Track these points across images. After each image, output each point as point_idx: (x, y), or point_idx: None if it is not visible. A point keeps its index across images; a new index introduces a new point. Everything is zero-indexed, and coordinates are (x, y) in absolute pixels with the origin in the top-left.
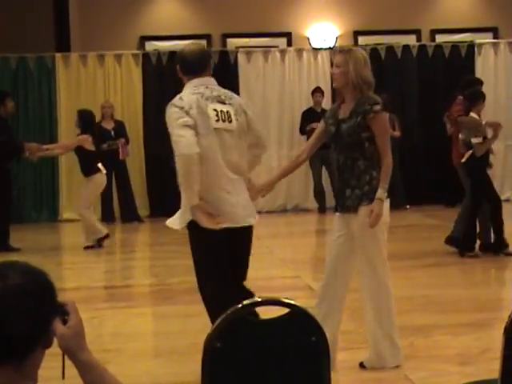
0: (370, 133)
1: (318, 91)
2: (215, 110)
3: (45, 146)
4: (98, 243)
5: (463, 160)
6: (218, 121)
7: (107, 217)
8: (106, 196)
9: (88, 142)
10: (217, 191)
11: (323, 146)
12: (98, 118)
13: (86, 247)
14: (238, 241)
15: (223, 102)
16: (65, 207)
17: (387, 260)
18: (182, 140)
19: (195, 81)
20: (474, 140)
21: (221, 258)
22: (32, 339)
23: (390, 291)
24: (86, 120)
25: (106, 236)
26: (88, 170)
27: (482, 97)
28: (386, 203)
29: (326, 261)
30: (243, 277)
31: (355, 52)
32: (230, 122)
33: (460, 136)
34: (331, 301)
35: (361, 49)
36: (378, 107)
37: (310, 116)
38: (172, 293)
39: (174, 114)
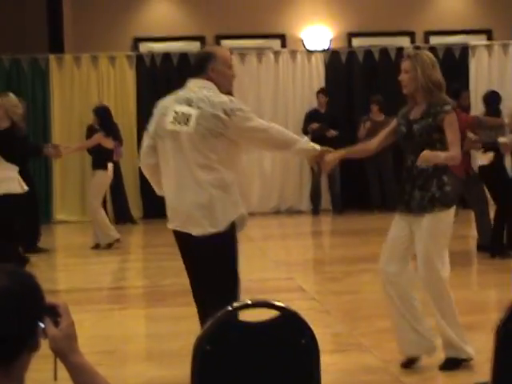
0: (442, 135)
1: (321, 92)
2: (176, 111)
3: (64, 147)
4: (108, 246)
5: (486, 163)
6: (173, 122)
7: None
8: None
9: (108, 142)
10: (166, 191)
11: None
12: (91, 120)
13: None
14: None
15: (190, 105)
16: (58, 209)
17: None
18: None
19: (188, 82)
20: (502, 139)
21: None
22: (19, 342)
23: (450, 294)
24: (103, 116)
25: (118, 240)
26: (99, 163)
27: (460, 97)
28: (451, 211)
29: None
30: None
31: (421, 55)
32: (187, 124)
33: (474, 137)
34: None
35: (427, 51)
36: (448, 107)
37: (313, 117)
38: (165, 295)
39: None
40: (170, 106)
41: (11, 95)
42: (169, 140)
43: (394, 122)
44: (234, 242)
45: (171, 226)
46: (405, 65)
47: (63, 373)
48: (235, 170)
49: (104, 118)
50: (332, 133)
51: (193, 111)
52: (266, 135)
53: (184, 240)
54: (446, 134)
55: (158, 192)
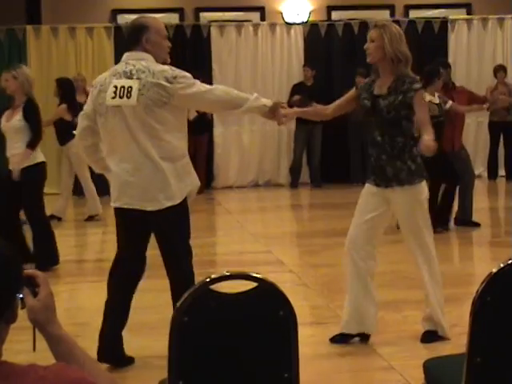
0: (409, 111)
1: (307, 65)
2: (115, 86)
3: None
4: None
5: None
6: (114, 98)
7: (78, 190)
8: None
9: (66, 113)
10: (114, 168)
11: (310, 121)
12: None
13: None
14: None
15: (130, 77)
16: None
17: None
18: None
19: (123, 56)
20: None
21: None
22: None
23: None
24: (65, 88)
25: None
26: (65, 138)
27: (439, 75)
28: (425, 183)
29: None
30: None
31: (390, 26)
32: (129, 97)
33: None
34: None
35: (394, 24)
36: (418, 85)
37: (298, 89)
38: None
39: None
40: (107, 82)
41: (25, 67)
42: (111, 116)
43: (353, 92)
44: (187, 213)
45: (118, 203)
46: (372, 33)
47: (42, 343)
48: (184, 138)
49: (68, 91)
50: (315, 106)
51: (133, 83)
52: (212, 97)
53: (133, 217)
54: (416, 112)
55: (98, 170)
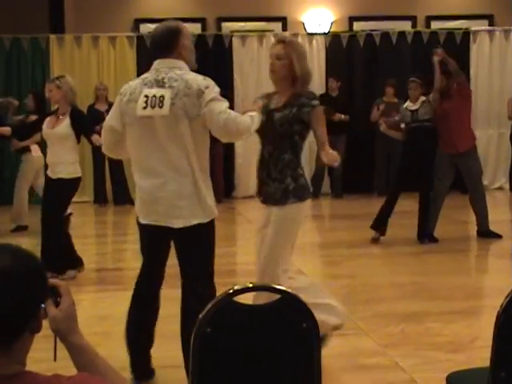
0: (303, 127)
1: (332, 76)
2: (146, 95)
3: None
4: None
5: None
6: (145, 108)
7: (100, 199)
8: (98, 178)
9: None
10: (143, 183)
11: (334, 132)
12: (91, 100)
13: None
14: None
15: (162, 86)
16: None
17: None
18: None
19: (154, 64)
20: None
21: None
22: (20, 323)
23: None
24: (39, 102)
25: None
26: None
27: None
28: (306, 205)
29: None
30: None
31: (296, 43)
32: (161, 106)
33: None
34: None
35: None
36: (316, 102)
37: (324, 101)
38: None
39: (114, 103)
40: (137, 92)
41: (68, 77)
42: (140, 127)
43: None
44: (214, 231)
45: (146, 220)
46: (278, 50)
47: (63, 352)
48: (208, 153)
49: (40, 104)
50: (339, 116)
51: (165, 92)
52: (227, 122)
53: (161, 235)
54: (315, 129)
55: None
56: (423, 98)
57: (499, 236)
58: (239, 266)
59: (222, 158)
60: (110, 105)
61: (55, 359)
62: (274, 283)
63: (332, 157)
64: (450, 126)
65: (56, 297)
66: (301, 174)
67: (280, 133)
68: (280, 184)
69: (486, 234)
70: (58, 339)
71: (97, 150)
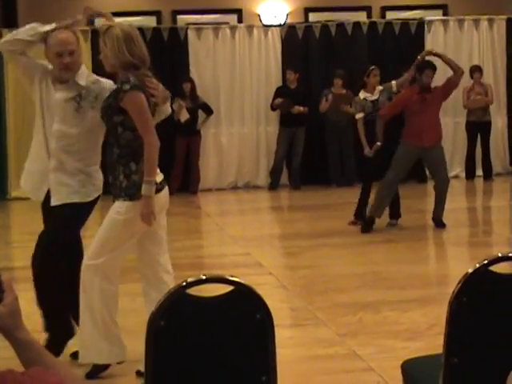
0: (125, 117)
1: (289, 68)
2: None
3: None
4: None
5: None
6: None
7: None
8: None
9: None
10: None
11: (293, 124)
12: None
13: None
14: None
15: None
16: (13, 185)
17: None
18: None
19: None
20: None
21: None
22: None
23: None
24: None
25: None
26: None
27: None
28: (165, 191)
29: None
30: None
31: (112, 30)
32: None
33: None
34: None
35: (125, 24)
36: (126, 86)
37: (281, 93)
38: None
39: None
40: None
41: None
42: None
43: None
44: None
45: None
46: (100, 43)
47: (8, 351)
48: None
49: None
50: (298, 109)
51: None
52: None
53: None
54: (132, 117)
55: None
56: (380, 88)
57: (444, 225)
58: (198, 260)
59: (199, 148)
60: None
61: None
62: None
63: (142, 215)
64: (425, 119)
65: None
66: (134, 171)
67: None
68: (115, 180)
69: (441, 222)
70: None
71: None
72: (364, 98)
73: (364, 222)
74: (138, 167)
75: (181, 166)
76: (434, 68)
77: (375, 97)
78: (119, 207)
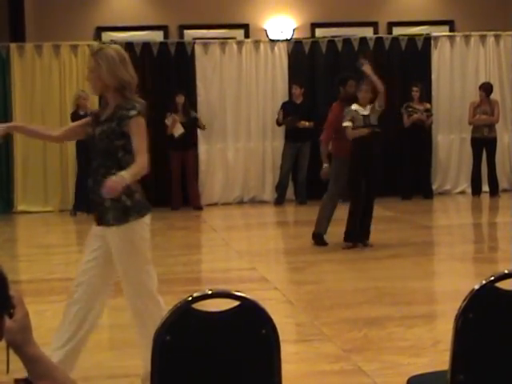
0: (126, 141)
1: (295, 83)
2: None
3: None
4: None
5: None
6: None
7: (80, 206)
8: (79, 185)
9: None
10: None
11: (299, 139)
12: (54, 110)
13: None
14: None
15: None
16: (20, 199)
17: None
18: None
19: None
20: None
21: None
22: None
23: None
24: None
25: None
26: None
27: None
28: (147, 219)
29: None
30: None
31: (106, 50)
32: None
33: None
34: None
35: (116, 45)
36: (133, 112)
37: (289, 108)
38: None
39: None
40: None
41: None
42: None
43: (88, 118)
44: None
45: None
46: (89, 63)
47: (17, 364)
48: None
49: None
50: (303, 124)
51: None
52: None
53: None
54: (132, 140)
55: None
56: (370, 104)
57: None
58: (204, 274)
59: (193, 162)
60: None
61: (8, 371)
62: None
63: (111, 183)
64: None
65: (10, 308)
66: (134, 190)
67: (101, 148)
68: (118, 203)
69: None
70: (11, 351)
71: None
72: (356, 111)
73: (314, 239)
74: (137, 186)
75: (179, 182)
76: (356, 78)
77: (367, 112)
78: (140, 228)
